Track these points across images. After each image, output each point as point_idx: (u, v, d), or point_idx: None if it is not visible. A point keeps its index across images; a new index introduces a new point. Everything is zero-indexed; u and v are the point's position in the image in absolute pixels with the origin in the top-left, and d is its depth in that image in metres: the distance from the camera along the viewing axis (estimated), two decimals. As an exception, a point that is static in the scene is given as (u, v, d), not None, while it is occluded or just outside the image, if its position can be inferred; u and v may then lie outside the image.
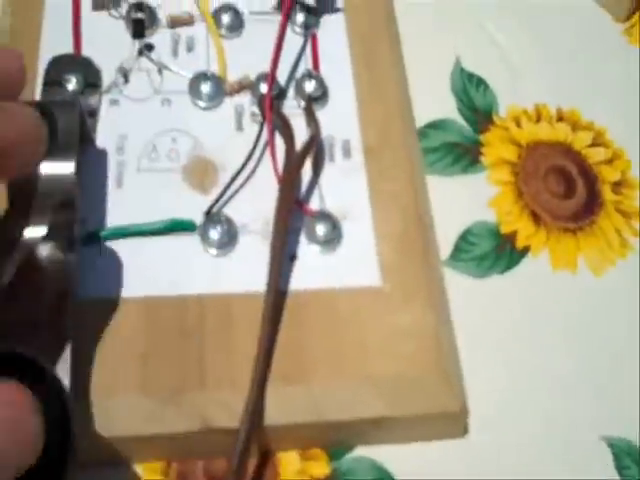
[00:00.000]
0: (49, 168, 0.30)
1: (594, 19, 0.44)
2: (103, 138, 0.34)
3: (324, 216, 0.33)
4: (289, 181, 0.32)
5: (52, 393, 0.24)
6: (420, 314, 0.31)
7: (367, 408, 0.30)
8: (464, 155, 0.38)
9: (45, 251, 0.29)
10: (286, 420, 0.29)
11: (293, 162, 0.32)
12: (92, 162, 0.33)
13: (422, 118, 0.39)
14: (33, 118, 0.26)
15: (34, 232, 0.29)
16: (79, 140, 0.31)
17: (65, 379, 0.26)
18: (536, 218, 0.37)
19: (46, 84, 0.35)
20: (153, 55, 0.37)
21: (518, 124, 0.39)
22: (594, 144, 0.39)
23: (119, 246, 0.32)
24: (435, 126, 0.39)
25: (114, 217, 0.32)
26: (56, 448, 0.24)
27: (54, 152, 0.29)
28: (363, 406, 0.30)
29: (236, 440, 0.28)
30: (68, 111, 0.31)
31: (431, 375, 0.30)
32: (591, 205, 0.38)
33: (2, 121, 0.24)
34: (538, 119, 0.40)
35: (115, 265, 0.31)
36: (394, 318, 0.31)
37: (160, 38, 0.37)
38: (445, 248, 0.36)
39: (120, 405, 0.29)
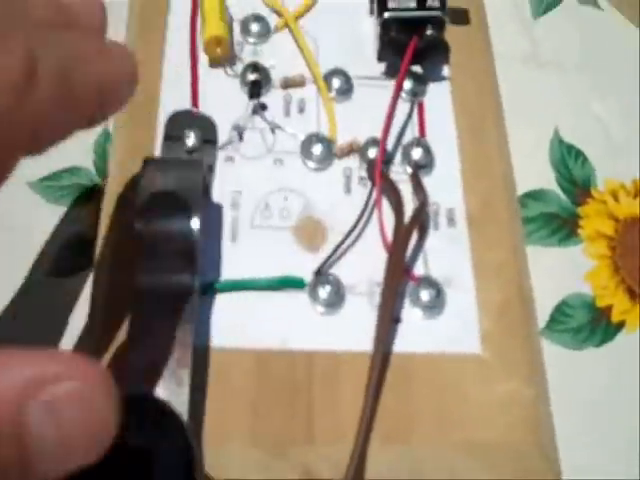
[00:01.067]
0: (177, 222, 0.31)
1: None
2: (219, 193, 0.36)
3: (428, 282, 0.34)
4: (398, 249, 0.33)
5: (179, 431, 0.25)
6: (519, 384, 0.32)
7: (465, 472, 0.30)
8: (562, 227, 0.39)
9: (169, 302, 0.30)
10: (386, 477, 0.30)
11: (402, 230, 0.34)
12: (209, 216, 0.35)
13: (521, 188, 0.40)
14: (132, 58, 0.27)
15: (157, 282, 0.30)
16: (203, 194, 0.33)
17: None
18: (632, 294, 0.38)
19: (166, 138, 0.36)
20: (267, 115, 0.38)
21: (616, 198, 0.40)
22: (690, 220, 0.40)
23: (232, 299, 0.33)
24: (533, 196, 0.40)
25: (228, 270, 0.34)
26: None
27: (183, 207, 0.31)
28: (461, 470, 0.30)
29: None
30: (194, 169, 0.33)
31: (528, 443, 0.31)
32: (686, 283, 0.38)
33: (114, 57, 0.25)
34: (636, 194, 0.40)
35: (228, 317, 0.33)
36: (494, 387, 0.32)
37: (273, 98, 0.39)
38: (541, 318, 0.36)
39: (230, 453, 0.30)
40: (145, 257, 0.31)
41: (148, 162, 0.33)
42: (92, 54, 0.24)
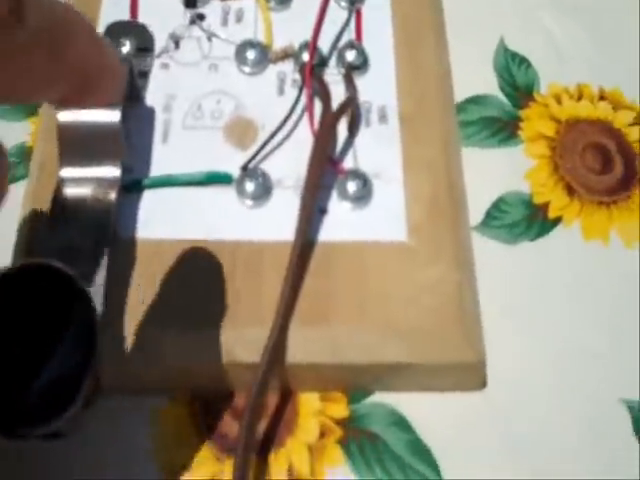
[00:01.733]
0: (98, 116, 0.31)
1: (641, 0, 0.44)
2: (152, 98, 0.36)
3: (356, 174, 0.34)
4: (323, 136, 0.33)
5: (83, 307, 0.26)
6: (445, 271, 0.32)
7: (386, 353, 0.31)
8: (502, 129, 0.39)
9: (90, 188, 0.31)
10: (306, 359, 0.31)
11: (328, 118, 0.34)
12: (141, 118, 0.35)
13: (463, 93, 0.40)
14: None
15: (81, 172, 0.31)
16: (129, 95, 0.33)
17: (98, 303, 0.28)
18: (570, 191, 0.37)
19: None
20: (204, 24, 0.39)
21: (559, 101, 0.40)
22: (635, 123, 0.40)
23: (161, 194, 0.34)
24: (475, 101, 0.40)
25: (158, 169, 0.34)
26: (80, 359, 0.25)
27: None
28: (383, 351, 0.31)
29: (255, 373, 0.29)
30: None
31: (451, 327, 0.31)
32: (628, 181, 0.38)
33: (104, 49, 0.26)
34: (579, 97, 0.40)
35: (156, 211, 0.33)
36: (419, 273, 0.32)
37: (211, 9, 0.39)
38: (477, 215, 0.36)
39: (152, 336, 0.30)
40: (69, 148, 0.31)
41: None
42: (84, 35, 0.25)
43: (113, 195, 0.31)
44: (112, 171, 0.32)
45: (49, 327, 0.25)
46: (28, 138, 0.38)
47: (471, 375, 0.32)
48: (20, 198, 0.34)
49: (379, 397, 0.32)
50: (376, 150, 0.35)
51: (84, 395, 0.25)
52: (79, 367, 0.25)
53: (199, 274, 0.32)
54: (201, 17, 0.39)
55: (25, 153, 0.37)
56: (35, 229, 0.32)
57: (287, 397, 0.32)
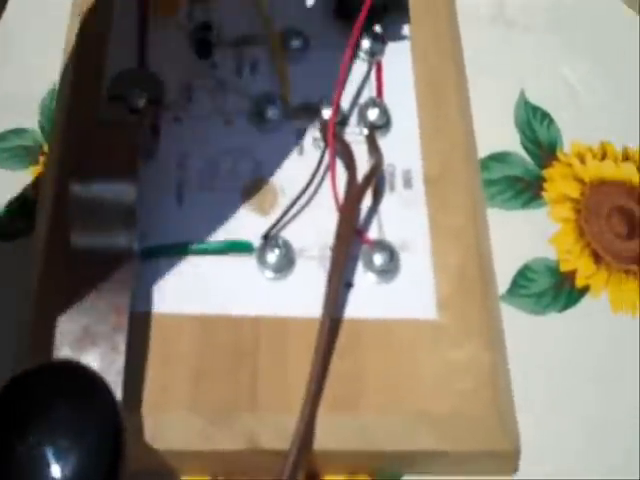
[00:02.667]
0: (111, 183, 0.30)
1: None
2: (165, 155, 0.34)
3: (382, 245, 0.32)
4: (350, 209, 0.32)
5: (105, 402, 0.24)
6: (477, 350, 0.31)
7: (418, 441, 0.29)
8: (525, 190, 0.38)
9: (102, 265, 0.29)
10: (334, 446, 0.29)
11: (354, 190, 0.32)
12: (153, 179, 0.33)
13: (484, 150, 0.39)
14: None
15: (93, 245, 0.29)
16: (140, 155, 0.31)
17: (117, 391, 0.26)
18: (597, 258, 0.36)
19: (110, 98, 0.35)
20: (217, 74, 0.37)
21: (582, 161, 0.39)
22: (659, 185, 0.39)
23: (177, 263, 0.32)
24: (497, 159, 0.39)
25: (174, 234, 0.32)
26: (108, 456, 0.23)
27: (116, 168, 0.29)
28: (414, 439, 0.29)
29: (285, 461, 0.27)
30: (130, 128, 0.31)
31: (485, 413, 0.30)
32: (654, 248, 0.37)
33: None
34: (603, 157, 0.39)
35: (172, 281, 0.31)
36: (450, 353, 0.31)
37: (224, 57, 0.37)
38: (503, 283, 0.35)
39: (171, 421, 0.29)
40: (80, 218, 0.29)
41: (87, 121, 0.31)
42: None
43: (128, 272, 0.29)
44: (126, 243, 0.30)
45: (70, 428, 0.23)
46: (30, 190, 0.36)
47: (504, 461, 0.30)
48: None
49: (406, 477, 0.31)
50: (402, 217, 0.34)
51: None
52: (106, 472, 0.23)
53: (219, 353, 0.30)
54: (214, 66, 0.37)
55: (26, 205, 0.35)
56: (46, 307, 0.30)
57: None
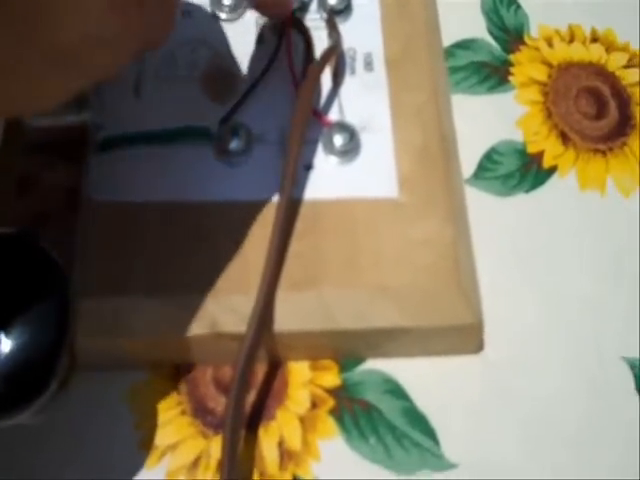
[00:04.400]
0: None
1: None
2: (121, 47, 0.34)
3: (342, 127, 0.32)
4: (307, 88, 0.31)
5: (55, 280, 0.24)
6: (437, 226, 0.30)
7: (380, 317, 0.29)
8: (492, 74, 0.37)
9: (57, 148, 0.29)
10: (296, 326, 0.29)
11: (311, 69, 0.32)
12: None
13: (450, 38, 0.38)
14: None
15: (45, 129, 0.29)
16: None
17: (71, 270, 0.26)
18: (565, 138, 0.36)
19: None
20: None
21: (550, 44, 0.38)
22: (629, 65, 0.38)
23: (134, 153, 0.31)
24: (463, 46, 0.38)
25: (131, 125, 0.32)
26: (51, 338, 0.23)
27: None
28: (376, 315, 0.29)
29: (241, 344, 0.27)
30: None
31: (447, 287, 0.30)
32: (623, 127, 0.36)
33: None
34: (571, 40, 0.38)
35: (131, 171, 0.31)
36: (411, 229, 0.30)
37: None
38: (469, 166, 0.35)
39: (130, 306, 0.28)
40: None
41: None
42: None
43: (85, 152, 0.29)
44: (80, 124, 0.29)
45: (17, 301, 0.23)
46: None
47: (468, 337, 0.30)
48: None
49: (372, 364, 0.31)
50: (363, 99, 0.33)
51: (59, 377, 0.23)
52: (52, 345, 0.23)
53: (178, 238, 0.30)
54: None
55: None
56: (2, 193, 0.29)
57: (276, 367, 0.30)
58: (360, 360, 0.30)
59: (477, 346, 0.31)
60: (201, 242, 0.30)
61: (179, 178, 0.31)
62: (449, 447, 0.29)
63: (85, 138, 0.29)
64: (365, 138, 0.32)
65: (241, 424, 0.28)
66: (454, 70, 0.37)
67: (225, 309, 0.29)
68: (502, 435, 0.30)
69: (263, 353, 0.29)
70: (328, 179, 0.31)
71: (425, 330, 0.29)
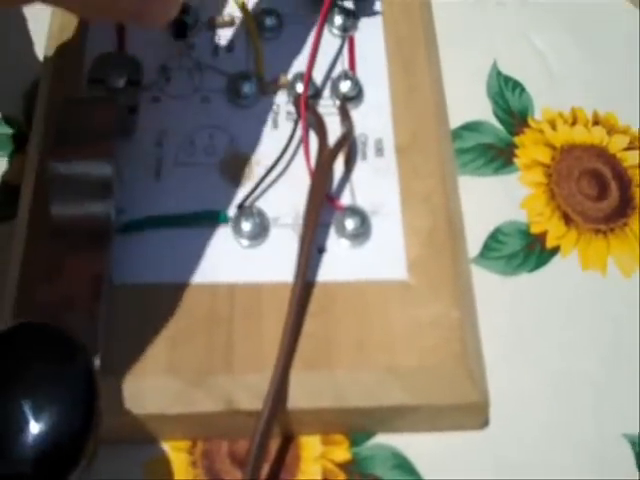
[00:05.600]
0: (89, 159, 0.31)
1: (636, 23, 0.43)
2: (144, 133, 0.35)
3: (354, 211, 0.34)
4: (320, 174, 0.33)
5: (80, 366, 0.25)
6: (445, 308, 0.32)
7: (389, 396, 0.30)
8: (497, 156, 0.39)
9: (82, 236, 0.30)
10: (308, 404, 0.30)
11: (325, 156, 0.33)
12: (132, 156, 0.35)
13: (457, 120, 0.40)
14: None
15: (71, 217, 0.30)
16: (118, 134, 0.32)
17: (95, 359, 0.28)
18: (567, 219, 0.37)
19: (90, 81, 0.36)
20: (194, 55, 0.38)
21: (553, 127, 0.40)
22: (630, 147, 0.39)
23: (155, 236, 0.33)
24: (469, 128, 0.40)
25: (151, 208, 0.34)
26: (80, 421, 0.24)
27: (93, 145, 0.31)
28: (385, 394, 0.30)
29: (257, 421, 0.28)
30: (106, 106, 0.32)
31: (453, 367, 0.31)
32: (624, 208, 0.38)
33: None
34: (574, 122, 0.40)
35: (150, 253, 0.33)
36: (419, 311, 0.32)
37: (201, 38, 0.38)
38: (475, 246, 0.36)
39: (149, 385, 0.30)
40: (59, 194, 0.31)
41: (64, 103, 0.33)
42: None
43: (108, 239, 0.31)
44: (105, 214, 0.31)
45: (45, 385, 0.25)
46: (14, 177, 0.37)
47: (474, 415, 0.32)
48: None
49: (381, 438, 0.32)
50: (373, 184, 0.35)
51: (86, 458, 0.24)
52: (81, 427, 0.25)
53: (195, 319, 0.31)
54: (191, 47, 0.38)
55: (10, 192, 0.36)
56: (28, 279, 0.31)
57: (288, 441, 0.31)
58: (370, 434, 0.32)
59: (482, 422, 0.32)
60: (218, 322, 0.31)
61: (197, 260, 0.33)
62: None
63: (108, 226, 0.30)
64: (375, 222, 0.34)
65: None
66: (461, 152, 0.39)
67: (241, 387, 0.30)
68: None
69: (276, 428, 0.30)
70: (340, 262, 0.33)
71: (432, 408, 0.31)
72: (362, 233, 0.33)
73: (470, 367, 0.31)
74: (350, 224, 0.33)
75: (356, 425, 0.31)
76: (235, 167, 0.35)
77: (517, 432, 0.32)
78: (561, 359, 0.34)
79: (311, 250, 0.32)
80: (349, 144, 0.35)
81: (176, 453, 0.31)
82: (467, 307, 0.33)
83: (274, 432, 0.30)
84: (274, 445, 0.31)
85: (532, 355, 0.34)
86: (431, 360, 0.31)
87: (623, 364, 0.34)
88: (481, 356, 0.32)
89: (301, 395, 0.30)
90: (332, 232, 0.34)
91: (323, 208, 0.33)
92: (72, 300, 0.29)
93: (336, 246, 0.33)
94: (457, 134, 0.39)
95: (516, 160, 0.39)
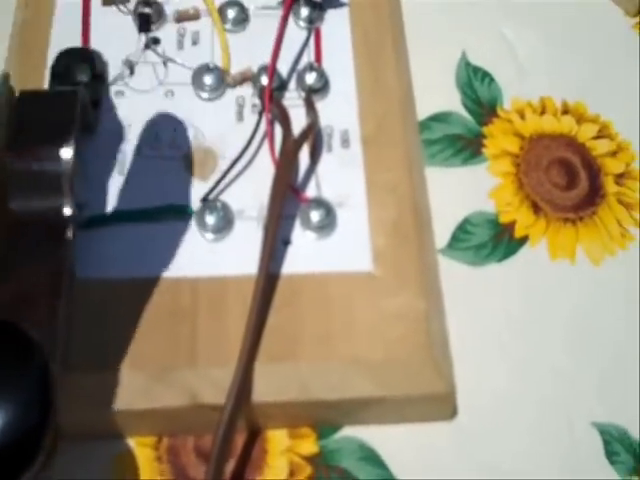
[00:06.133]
0: (48, 153, 0.31)
1: (604, 13, 0.43)
2: (107, 128, 0.35)
3: (319, 203, 0.33)
4: (284, 164, 0.33)
5: (35, 362, 0.25)
6: (410, 299, 0.32)
7: (355, 388, 0.30)
8: (466, 147, 0.39)
9: (41, 232, 0.30)
10: (273, 397, 0.30)
11: (289, 146, 0.33)
12: (95, 150, 0.34)
13: (425, 111, 0.39)
14: None
15: (29, 213, 0.30)
16: (81, 128, 0.32)
17: (55, 353, 0.27)
18: (536, 208, 0.37)
19: (54, 76, 0.36)
20: (159, 49, 0.38)
21: (522, 116, 0.40)
22: (599, 136, 0.39)
23: (119, 231, 0.33)
24: (438, 119, 0.39)
25: (115, 202, 0.33)
26: (35, 417, 0.24)
27: (54, 138, 0.30)
28: (351, 386, 0.30)
29: (221, 415, 0.28)
30: (68, 100, 0.32)
31: (419, 358, 0.31)
32: (593, 196, 0.38)
33: None
34: (543, 112, 0.40)
35: (114, 248, 0.32)
36: (384, 302, 0.32)
37: (166, 32, 0.38)
38: (443, 237, 0.36)
39: (113, 381, 0.30)
40: (17, 187, 0.30)
41: (20, 95, 0.32)
42: None
43: (69, 234, 0.30)
44: (66, 209, 0.31)
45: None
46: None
47: (441, 405, 0.31)
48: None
49: (348, 431, 0.32)
50: (339, 176, 0.35)
51: (44, 454, 0.24)
52: (37, 423, 0.24)
53: (159, 313, 0.31)
54: (156, 41, 0.38)
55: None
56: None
57: (255, 435, 0.31)
58: (337, 427, 0.31)
59: (449, 413, 0.32)
60: (182, 317, 0.31)
61: (161, 254, 0.32)
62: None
63: (68, 221, 0.30)
64: (341, 214, 0.33)
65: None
66: (429, 143, 0.38)
67: (205, 381, 0.30)
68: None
69: (242, 422, 0.30)
70: (305, 254, 0.33)
71: (398, 399, 0.31)
72: (327, 225, 0.33)
73: (436, 358, 0.31)
74: (315, 216, 0.33)
75: (322, 418, 0.31)
76: (200, 161, 0.35)
77: (485, 423, 0.32)
78: (529, 349, 0.34)
79: (275, 242, 0.31)
80: (314, 135, 0.35)
81: (141, 448, 0.31)
82: (434, 298, 0.33)
83: (239, 426, 0.30)
84: (240, 439, 0.31)
85: (499, 344, 0.34)
86: (397, 351, 0.31)
87: (591, 353, 0.34)
88: (447, 347, 0.32)
89: (266, 388, 0.30)
90: (297, 224, 0.33)
91: (288, 200, 0.33)
92: (32, 296, 0.29)
93: (301, 238, 0.33)
94: (425, 125, 0.39)
95: (484, 150, 0.39)
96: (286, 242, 0.33)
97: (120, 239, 0.33)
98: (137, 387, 0.30)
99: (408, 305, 0.31)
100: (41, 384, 0.24)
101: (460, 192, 0.37)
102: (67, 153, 0.30)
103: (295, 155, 0.33)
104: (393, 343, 0.31)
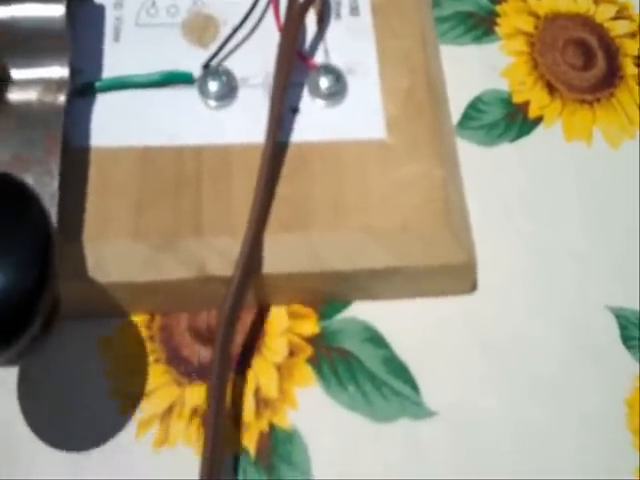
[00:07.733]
0: (39, 11, 0.28)
1: None
2: (101, -7, 0.33)
3: (328, 69, 0.31)
4: (290, 28, 0.31)
5: (36, 217, 0.23)
6: (426, 167, 0.30)
7: (369, 258, 0.28)
8: (478, 25, 0.37)
9: (35, 93, 0.28)
10: (283, 269, 0.28)
11: (295, 10, 0.31)
12: (89, 16, 0.32)
13: (435, -14, 0.37)
14: None
15: (25, 74, 0.28)
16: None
17: (52, 214, 0.25)
18: (551, 89, 0.35)
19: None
20: None
21: (537, -4, 0.38)
22: (617, 17, 0.37)
23: (116, 98, 0.31)
24: (449, -5, 0.37)
25: (111, 70, 0.31)
26: (36, 270, 0.22)
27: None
28: (365, 256, 0.28)
29: (228, 287, 0.26)
30: None
31: (437, 226, 0.29)
32: (611, 78, 0.36)
33: None
34: (558, -9, 0.38)
35: (111, 116, 0.30)
36: (399, 171, 0.30)
37: None
38: (455, 115, 0.34)
39: (113, 250, 0.28)
40: (9, 47, 0.28)
41: None
42: None
43: (62, 98, 0.28)
44: (59, 72, 0.29)
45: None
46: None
47: (461, 277, 0.30)
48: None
49: (351, 312, 0.30)
50: (348, 43, 0.33)
51: (41, 317, 0.22)
52: (34, 283, 0.22)
53: (160, 183, 0.29)
54: None
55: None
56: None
57: (254, 315, 0.29)
58: (339, 307, 0.30)
59: (470, 286, 0.30)
60: (185, 185, 0.29)
61: (161, 122, 0.30)
62: (429, 395, 0.29)
63: (63, 85, 0.28)
64: (351, 81, 0.32)
65: (228, 370, 0.27)
66: (440, 20, 0.37)
67: (212, 251, 0.28)
68: (482, 384, 0.29)
69: (249, 296, 0.28)
70: (315, 122, 0.31)
71: (414, 270, 0.29)
72: (337, 92, 0.31)
73: (455, 226, 0.29)
74: (324, 82, 0.31)
75: (333, 291, 0.29)
76: (200, 27, 0.33)
77: (497, 304, 0.31)
78: (544, 229, 0.32)
79: (282, 110, 0.30)
80: (321, 0, 0.33)
81: (133, 328, 0.29)
82: (450, 167, 0.31)
83: (246, 301, 0.28)
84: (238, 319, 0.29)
85: (514, 225, 0.32)
86: (413, 220, 0.29)
87: (608, 236, 0.33)
88: (466, 217, 0.31)
89: (275, 259, 0.28)
90: (306, 92, 0.31)
91: (295, 67, 0.31)
92: (27, 158, 0.27)
93: (310, 106, 0.31)
94: (436, 2, 0.37)
95: (497, 29, 0.37)
96: (294, 110, 0.31)
97: (117, 106, 0.31)
98: (140, 258, 0.28)
99: (424, 173, 0.30)
100: (41, 241, 0.23)
101: (472, 70, 0.36)
102: (59, 10, 0.28)
103: (302, 19, 0.31)
104: (409, 211, 0.29)
